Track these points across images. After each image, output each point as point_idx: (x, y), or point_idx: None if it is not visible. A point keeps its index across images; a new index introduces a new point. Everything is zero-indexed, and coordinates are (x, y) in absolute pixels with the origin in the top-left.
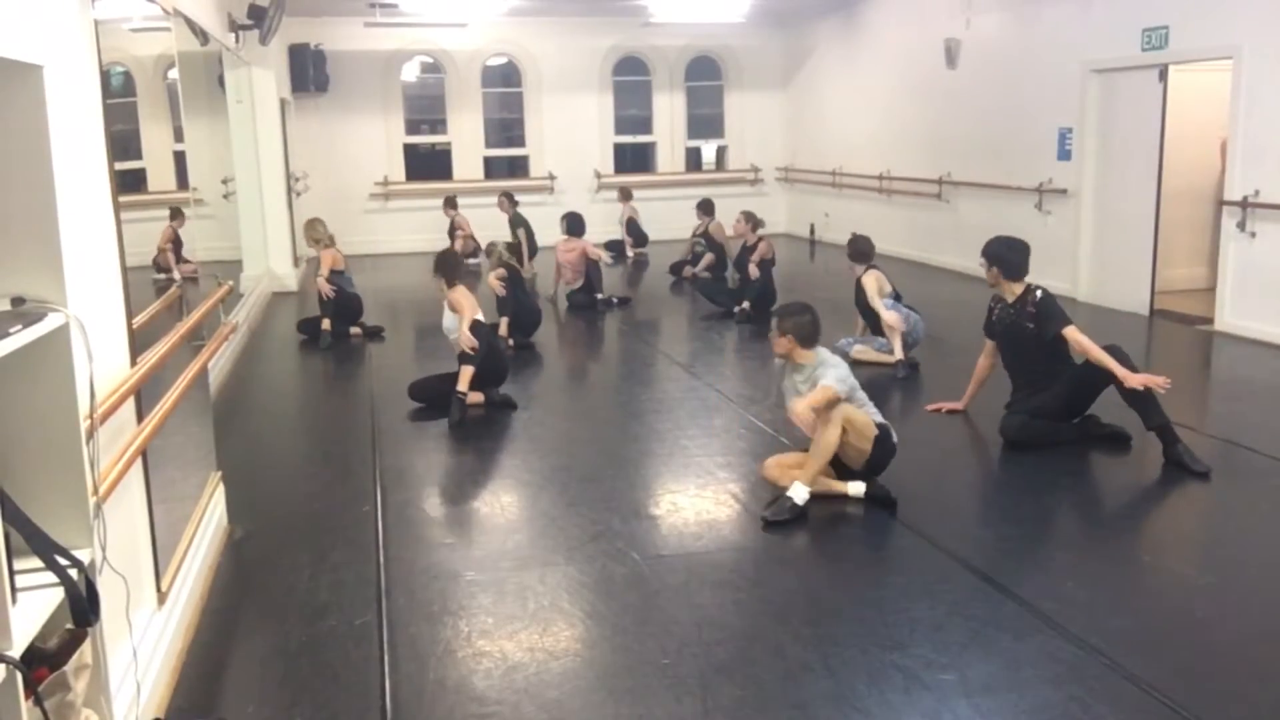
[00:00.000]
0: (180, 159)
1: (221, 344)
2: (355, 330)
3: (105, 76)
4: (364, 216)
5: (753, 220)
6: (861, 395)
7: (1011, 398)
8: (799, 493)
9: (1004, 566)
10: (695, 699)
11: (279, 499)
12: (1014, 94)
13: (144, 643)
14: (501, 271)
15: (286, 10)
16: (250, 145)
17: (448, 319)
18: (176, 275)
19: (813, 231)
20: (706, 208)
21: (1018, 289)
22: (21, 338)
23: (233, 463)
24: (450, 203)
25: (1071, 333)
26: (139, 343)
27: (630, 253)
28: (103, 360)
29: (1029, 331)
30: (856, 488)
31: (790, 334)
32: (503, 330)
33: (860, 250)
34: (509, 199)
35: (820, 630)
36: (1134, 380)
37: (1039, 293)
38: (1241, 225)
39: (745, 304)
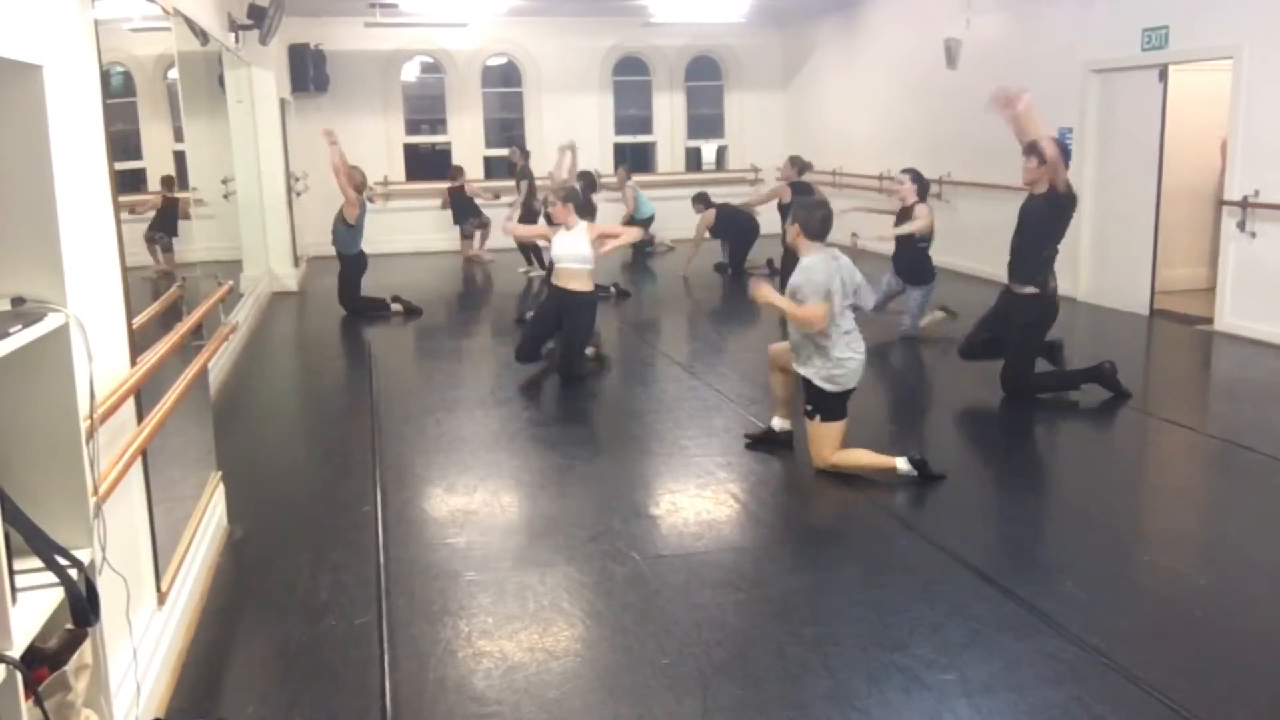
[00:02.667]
0: (180, 159)
1: (221, 344)
2: (397, 307)
3: (105, 76)
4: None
5: (799, 164)
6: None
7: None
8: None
9: (1004, 566)
10: (695, 699)
11: (279, 499)
12: None
13: (144, 643)
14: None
15: (286, 10)
16: (250, 145)
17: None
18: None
19: None
20: (703, 199)
21: (1046, 186)
22: (21, 338)
23: (233, 463)
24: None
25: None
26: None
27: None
28: (103, 360)
29: (1039, 215)
30: (903, 464)
31: (798, 223)
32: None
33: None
34: (521, 150)
35: (820, 630)
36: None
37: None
38: (1241, 225)
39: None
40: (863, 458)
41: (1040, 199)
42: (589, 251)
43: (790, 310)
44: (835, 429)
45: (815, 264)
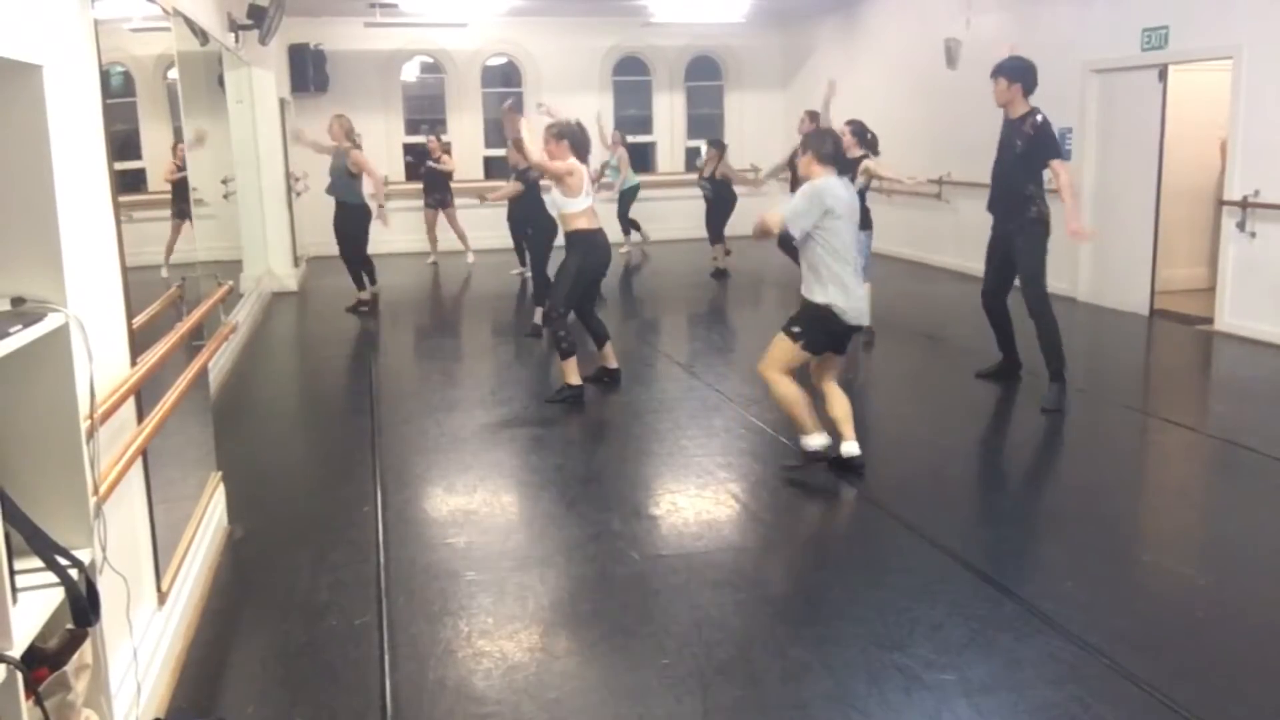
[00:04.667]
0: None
1: (221, 344)
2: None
3: (105, 76)
4: None
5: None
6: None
7: (992, 229)
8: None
9: (1004, 566)
10: (695, 699)
11: (279, 499)
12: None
13: (144, 643)
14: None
15: (286, 10)
16: (250, 145)
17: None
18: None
19: None
20: (719, 145)
21: (1023, 109)
22: (21, 338)
23: (233, 463)
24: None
25: (1058, 165)
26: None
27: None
28: (103, 360)
29: (1016, 150)
30: (816, 442)
31: (811, 149)
32: None
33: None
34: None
35: (820, 630)
36: (1073, 227)
37: (1039, 117)
38: (1241, 225)
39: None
40: (790, 397)
41: (1016, 130)
42: (586, 192)
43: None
44: (796, 352)
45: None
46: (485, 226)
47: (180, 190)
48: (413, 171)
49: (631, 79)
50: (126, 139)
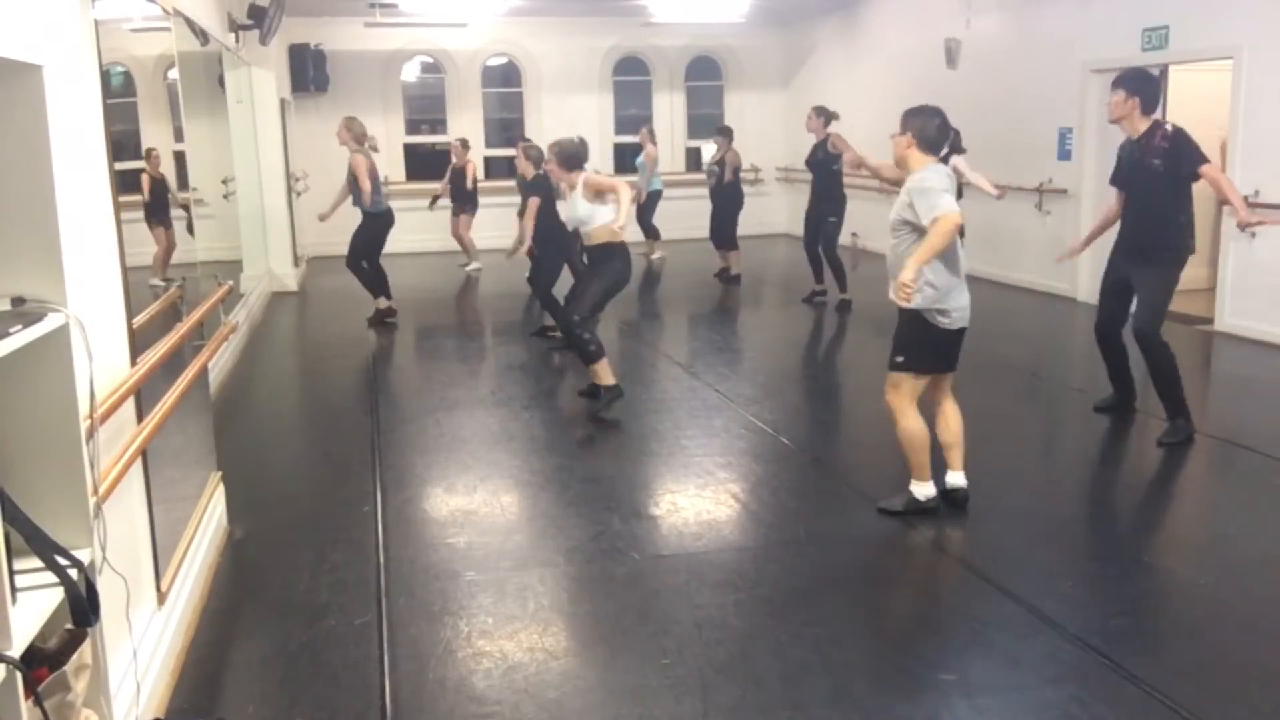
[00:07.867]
0: (180, 159)
1: (221, 344)
2: (385, 304)
3: (105, 76)
4: None
5: (825, 114)
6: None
7: (1113, 252)
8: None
9: (1004, 567)
10: (695, 699)
11: (279, 499)
12: (1014, 94)
13: (144, 643)
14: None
15: (286, 10)
16: (250, 145)
17: (582, 209)
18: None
19: None
20: (726, 133)
21: (1144, 124)
22: (21, 338)
23: (233, 463)
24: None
25: (1209, 169)
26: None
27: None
28: (103, 360)
29: (1155, 170)
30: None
31: (913, 133)
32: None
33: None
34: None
35: (820, 630)
36: (1245, 218)
37: (1169, 127)
38: (1242, 225)
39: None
40: (916, 439)
41: (1147, 147)
42: (590, 210)
43: (925, 247)
44: (911, 380)
45: (931, 175)
46: (487, 226)
47: (158, 196)
48: (414, 173)
49: (631, 79)
50: (126, 139)
